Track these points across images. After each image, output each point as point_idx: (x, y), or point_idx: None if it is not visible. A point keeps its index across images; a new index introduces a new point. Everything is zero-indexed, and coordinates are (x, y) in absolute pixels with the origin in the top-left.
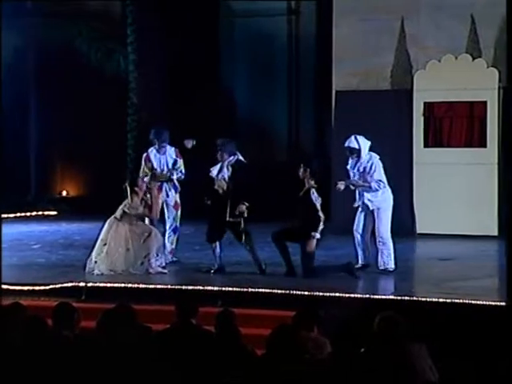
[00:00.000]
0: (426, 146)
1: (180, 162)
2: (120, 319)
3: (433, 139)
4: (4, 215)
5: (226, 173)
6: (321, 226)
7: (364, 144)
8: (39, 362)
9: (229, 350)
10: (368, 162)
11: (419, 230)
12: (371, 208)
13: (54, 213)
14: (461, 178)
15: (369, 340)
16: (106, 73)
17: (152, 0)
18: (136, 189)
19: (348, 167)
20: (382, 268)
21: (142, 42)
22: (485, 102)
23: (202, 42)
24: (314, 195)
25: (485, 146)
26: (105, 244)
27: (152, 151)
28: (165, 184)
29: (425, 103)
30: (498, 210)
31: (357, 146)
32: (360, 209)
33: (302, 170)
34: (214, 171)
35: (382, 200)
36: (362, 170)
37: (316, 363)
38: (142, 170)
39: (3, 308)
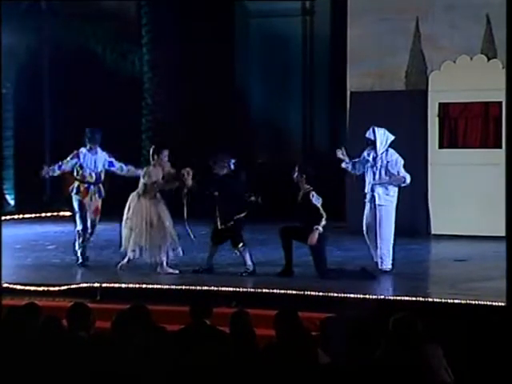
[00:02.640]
0: (440, 146)
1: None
2: (135, 320)
3: (448, 140)
4: (19, 216)
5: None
6: (323, 222)
7: (381, 136)
8: (54, 362)
9: (243, 350)
10: (392, 156)
11: (434, 230)
12: (377, 202)
13: (69, 213)
14: (476, 178)
15: (384, 341)
16: (120, 73)
17: (167, 1)
18: (160, 161)
19: (365, 155)
20: (379, 267)
21: (157, 42)
22: (500, 103)
23: (216, 42)
24: (315, 197)
25: (500, 146)
26: (128, 219)
27: (82, 151)
28: (91, 187)
29: (440, 104)
30: None
31: (372, 138)
32: (367, 205)
33: (296, 173)
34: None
35: (390, 200)
36: (385, 163)
37: (331, 366)
38: (69, 165)
39: (19, 308)
